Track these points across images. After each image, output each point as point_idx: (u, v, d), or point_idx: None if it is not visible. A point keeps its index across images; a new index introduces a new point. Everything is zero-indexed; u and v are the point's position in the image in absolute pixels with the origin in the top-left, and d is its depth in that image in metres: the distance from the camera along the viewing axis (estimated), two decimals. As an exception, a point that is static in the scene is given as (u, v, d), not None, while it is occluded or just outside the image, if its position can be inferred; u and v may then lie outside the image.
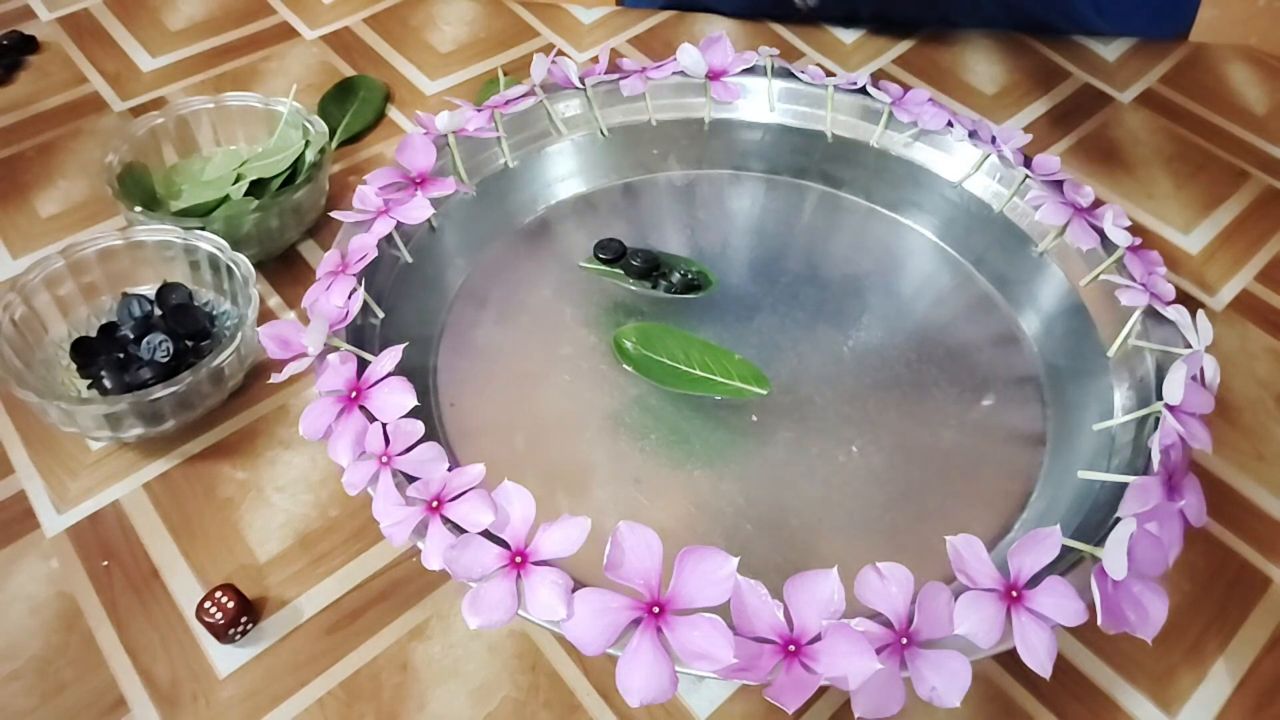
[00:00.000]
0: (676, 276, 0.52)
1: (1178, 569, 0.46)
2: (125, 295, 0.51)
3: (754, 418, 0.48)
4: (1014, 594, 0.35)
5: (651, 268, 0.52)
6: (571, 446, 0.47)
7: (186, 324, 0.50)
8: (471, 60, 0.71)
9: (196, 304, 0.51)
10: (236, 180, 0.56)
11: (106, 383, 0.47)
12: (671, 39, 0.73)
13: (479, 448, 0.46)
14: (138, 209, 0.53)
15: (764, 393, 0.46)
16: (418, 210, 0.47)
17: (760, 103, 0.58)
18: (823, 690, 0.40)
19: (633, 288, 0.52)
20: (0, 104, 0.66)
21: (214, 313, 0.52)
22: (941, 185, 0.56)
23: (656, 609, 0.32)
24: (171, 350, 0.49)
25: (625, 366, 0.48)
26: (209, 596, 0.42)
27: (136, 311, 0.50)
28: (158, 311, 0.51)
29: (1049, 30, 0.74)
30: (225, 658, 0.42)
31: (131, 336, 0.50)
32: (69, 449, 0.49)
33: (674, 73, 0.57)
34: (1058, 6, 0.73)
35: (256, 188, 0.56)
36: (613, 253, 0.53)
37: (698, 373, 0.47)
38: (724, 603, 0.33)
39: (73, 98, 0.67)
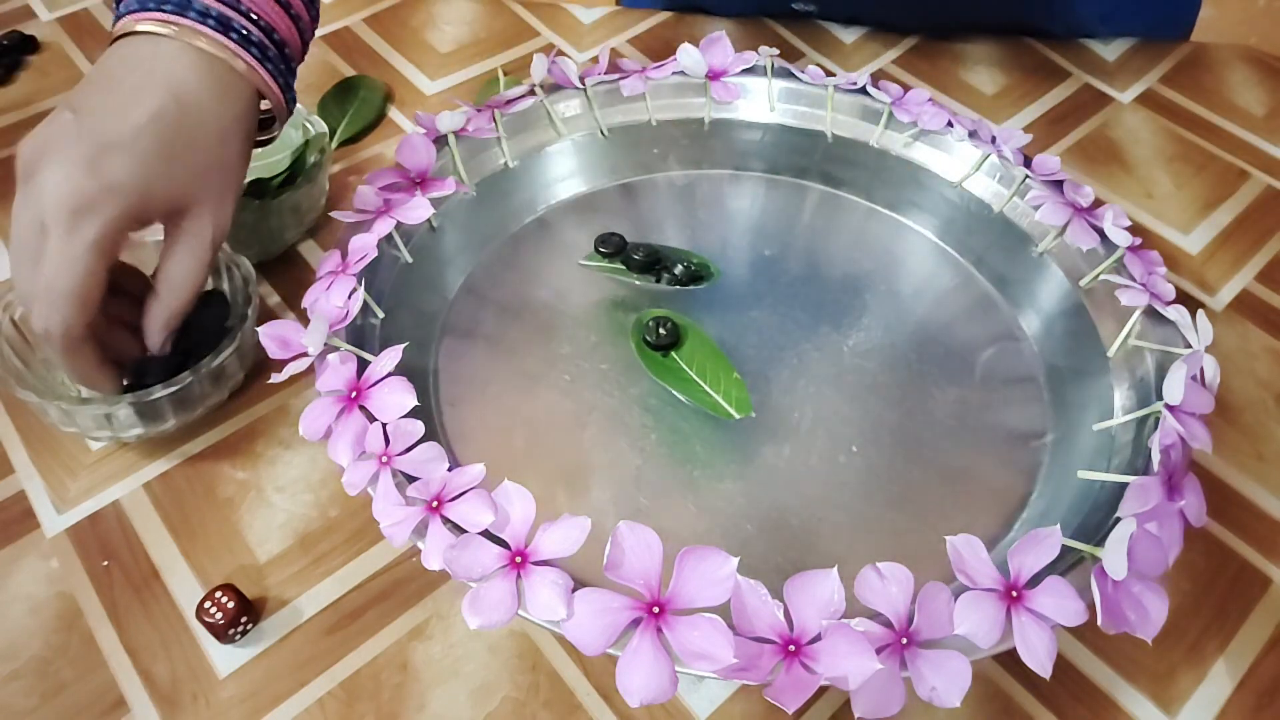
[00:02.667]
0: (680, 268, 0.52)
1: (1178, 569, 0.46)
2: None
3: (753, 414, 0.48)
4: (1014, 594, 0.35)
5: (653, 261, 0.52)
6: (571, 446, 0.47)
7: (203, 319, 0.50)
8: (471, 60, 0.71)
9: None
10: (236, 180, 0.56)
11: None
12: (671, 39, 0.73)
13: (479, 448, 0.46)
14: (138, 209, 0.53)
15: (737, 417, 0.46)
16: (418, 210, 0.47)
17: (760, 103, 0.58)
18: (823, 690, 0.40)
19: (636, 283, 0.52)
20: (0, 104, 0.66)
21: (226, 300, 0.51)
22: (941, 185, 0.56)
23: (656, 609, 0.32)
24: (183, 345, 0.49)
25: (632, 343, 0.48)
26: (209, 596, 0.42)
27: None
28: None
29: (1049, 35, 0.74)
30: (225, 658, 0.42)
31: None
32: (69, 449, 0.49)
33: (674, 73, 0.57)
34: (1058, 13, 0.73)
35: (256, 188, 0.56)
36: (614, 247, 0.52)
37: (690, 373, 0.47)
38: (724, 603, 0.33)
39: (73, 98, 0.67)
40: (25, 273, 0.39)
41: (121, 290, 0.45)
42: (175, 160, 0.40)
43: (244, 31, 0.42)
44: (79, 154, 0.38)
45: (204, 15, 0.41)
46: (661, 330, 0.48)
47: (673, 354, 0.48)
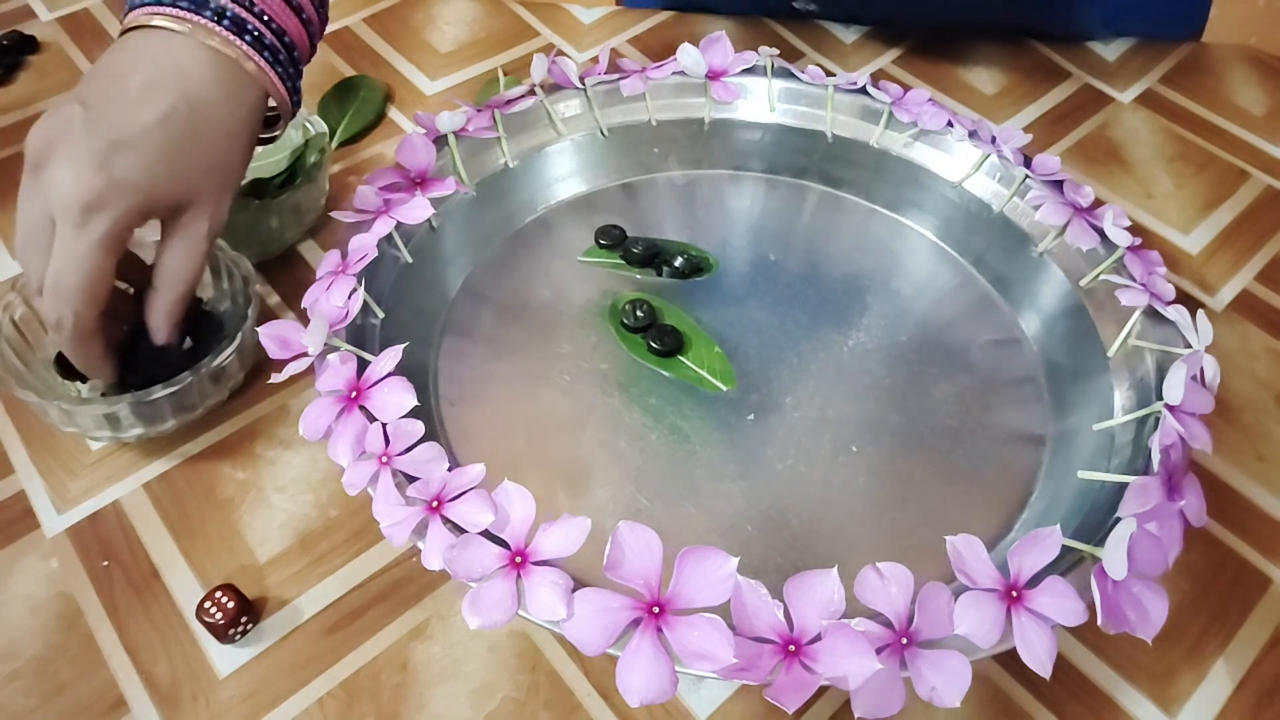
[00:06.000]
0: (680, 260, 0.52)
1: (1178, 569, 0.46)
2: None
3: (751, 416, 0.48)
4: (1014, 594, 0.35)
5: (653, 254, 0.52)
6: (571, 446, 0.47)
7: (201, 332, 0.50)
8: (471, 60, 0.71)
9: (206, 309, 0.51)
10: (236, 180, 0.56)
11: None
12: (671, 39, 0.73)
13: (479, 448, 0.46)
14: (138, 209, 0.53)
15: (723, 389, 0.46)
16: (418, 210, 0.47)
17: (760, 103, 0.58)
18: (823, 690, 0.40)
19: (637, 276, 0.52)
20: (0, 104, 0.66)
21: (217, 311, 0.52)
22: (941, 185, 0.56)
23: (656, 609, 0.32)
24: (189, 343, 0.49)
25: (610, 327, 0.49)
26: (209, 596, 0.42)
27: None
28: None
29: (1050, 36, 0.74)
30: (225, 658, 0.42)
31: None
32: (69, 449, 0.49)
33: (674, 73, 0.57)
34: (1059, 15, 0.73)
35: (256, 188, 0.56)
36: (614, 239, 0.53)
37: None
38: (724, 603, 0.33)
39: (73, 98, 0.67)
40: (35, 263, 0.40)
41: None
42: (183, 159, 0.40)
43: (256, 33, 0.42)
44: (89, 151, 0.38)
45: (219, 15, 0.41)
46: (639, 313, 0.49)
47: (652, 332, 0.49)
